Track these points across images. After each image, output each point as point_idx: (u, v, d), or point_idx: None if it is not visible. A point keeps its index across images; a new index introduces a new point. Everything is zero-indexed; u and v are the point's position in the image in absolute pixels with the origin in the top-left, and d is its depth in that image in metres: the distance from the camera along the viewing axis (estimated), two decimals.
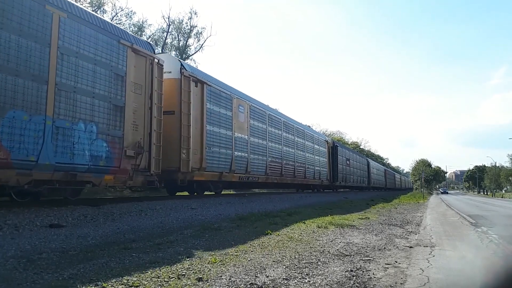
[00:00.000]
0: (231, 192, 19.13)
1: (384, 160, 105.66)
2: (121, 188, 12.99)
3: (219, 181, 12.43)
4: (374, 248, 5.59)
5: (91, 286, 3.17)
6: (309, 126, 28.01)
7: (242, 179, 13.53)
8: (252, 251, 4.94)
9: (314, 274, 3.85)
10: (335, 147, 27.26)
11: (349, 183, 30.74)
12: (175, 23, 32.69)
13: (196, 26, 33.63)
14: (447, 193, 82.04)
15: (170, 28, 32.61)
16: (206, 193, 13.60)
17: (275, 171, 16.20)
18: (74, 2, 7.38)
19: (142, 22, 31.49)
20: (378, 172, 51.13)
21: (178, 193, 13.43)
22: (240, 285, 3.38)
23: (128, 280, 3.38)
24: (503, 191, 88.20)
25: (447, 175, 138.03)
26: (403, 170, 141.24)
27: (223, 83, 12.98)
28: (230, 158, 12.51)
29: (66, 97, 6.77)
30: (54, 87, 6.53)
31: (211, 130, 11.62)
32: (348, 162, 30.55)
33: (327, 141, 26.34)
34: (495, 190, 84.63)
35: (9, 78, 5.88)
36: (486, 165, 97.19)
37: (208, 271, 3.81)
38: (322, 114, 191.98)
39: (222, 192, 17.84)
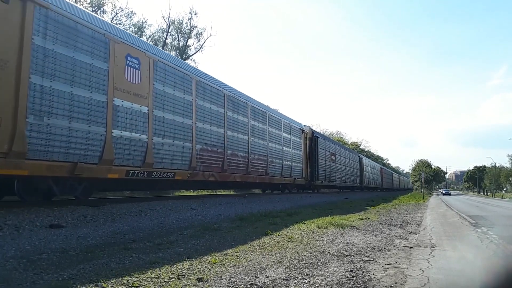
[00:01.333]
0: (231, 192, 19.12)
1: (384, 160, 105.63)
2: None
3: (69, 177, 7.38)
4: (374, 248, 5.59)
5: (91, 287, 3.17)
6: (278, 110, 21.40)
7: (134, 175, 8.55)
8: (252, 252, 4.94)
9: (314, 275, 3.85)
10: (314, 138, 22.37)
11: (334, 182, 26.64)
12: (175, 23, 32.76)
13: (196, 26, 33.72)
14: (449, 194, 75.70)
15: (170, 29, 32.66)
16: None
17: (211, 164, 11.55)
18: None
19: (142, 22, 31.55)
20: (373, 170, 46.55)
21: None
22: (240, 285, 3.38)
23: (128, 280, 3.38)
24: (503, 192, 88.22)
25: (447, 175, 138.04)
26: (403, 170, 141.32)
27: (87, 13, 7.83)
28: (99, 140, 7.60)
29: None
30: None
31: (45, 87, 6.65)
32: (333, 158, 26.46)
33: (303, 130, 21.04)
34: (495, 191, 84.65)
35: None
36: (486, 166, 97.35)
37: (208, 271, 3.81)
38: (322, 114, 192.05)
39: (222, 192, 17.86)
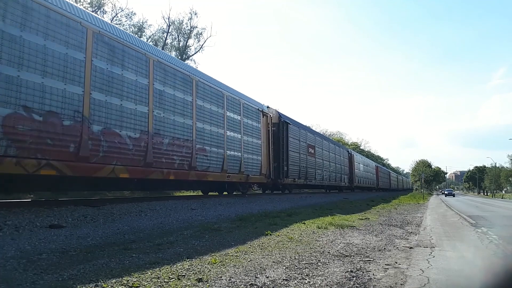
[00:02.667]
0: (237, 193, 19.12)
1: (384, 160, 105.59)
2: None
3: None
4: (374, 248, 5.59)
5: (91, 287, 3.17)
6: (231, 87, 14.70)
7: None
8: (252, 252, 4.94)
9: (314, 275, 3.85)
10: (283, 124, 17.84)
11: (313, 180, 22.18)
12: (175, 23, 32.80)
13: (196, 26, 33.76)
14: (453, 195, 57.40)
15: (170, 29, 32.70)
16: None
17: (117, 152, 8.20)
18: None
19: (142, 22, 31.56)
20: (366, 168, 41.38)
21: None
22: (240, 285, 3.38)
23: (128, 280, 3.38)
24: (503, 192, 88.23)
25: (447, 175, 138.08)
26: (403, 170, 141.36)
27: None
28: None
29: None
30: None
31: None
32: (311, 151, 22.01)
33: (263, 112, 15.94)
34: (495, 191, 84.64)
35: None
36: (486, 166, 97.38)
37: (208, 271, 3.81)
38: (322, 114, 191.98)
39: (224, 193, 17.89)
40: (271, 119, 16.93)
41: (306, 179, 20.94)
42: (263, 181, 15.90)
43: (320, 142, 24.74)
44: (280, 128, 17.78)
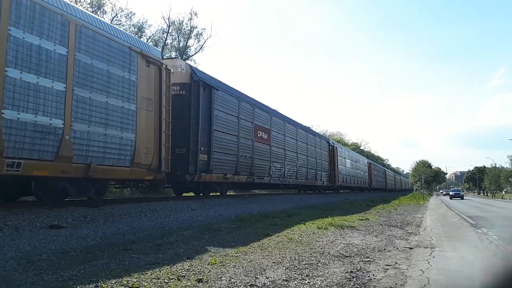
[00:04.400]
0: (231, 193, 19.12)
1: (384, 161, 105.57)
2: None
3: None
4: (374, 249, 5.59)
5: (91, 287, 3.17)
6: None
7: None
8: (252, 252, 4.93)
9: (314, 276, 3.85)
10: (199, 86, 11.44)
11: (266, 177, 15.88)
12: (175, 24, 32.82)
13: (196, 27, 33.76)
14: (462, 197, 42.94)
15: (170, 29, 32.71)
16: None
17: None
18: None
19: (142, 23, 31.58)
20: (355, 165, 34.78)
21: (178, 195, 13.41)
22: (240, 286, 3.38)
23: (128, 281, 3.38)
24: (503, 192, 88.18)
25: (447, 176, 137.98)
26: (403, 171, 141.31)
27: None
28: None
29: None
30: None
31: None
32: (263, 135, 15.91)
33: (145, 55, 9.14)
34: (495, 191, 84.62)
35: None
36: (486, 166, 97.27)
37: (208, 272, 3.81)
38: (322, 114, 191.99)
39: (232, 193, 17.85)
40: (168, 74, 9.90)
41: (251, 175, 14.25)
42: (140, 176, 9.11)
43: (280, 125, 17.77)
44: (193, 93, 10.89)
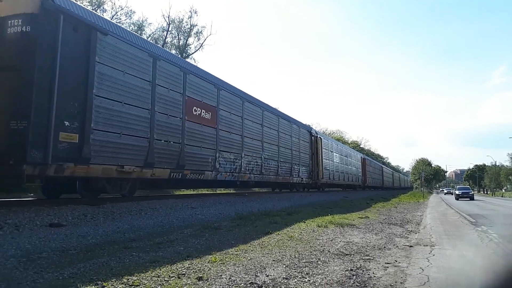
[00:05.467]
0: (231, 191, 19.13)
1: (384, 159, 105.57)
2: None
3: None
4: (374, 247, 5.60)
5: (91, 286, 3.17)
6: None
7: None
8: (252, 250, 4.94)
9: (314, 273, 3.85)
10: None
11: (208, 171, 11.38)
12: (175, 22, 32.75)
13: (196, 25, 33.65)
14: (472, 197, 33.55)
15: (170, 27, 32.64)
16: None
17: None
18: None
19: (142, 21, 31.51)
20: (346, 160, 29.95)
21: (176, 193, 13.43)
22: (240, 284, 3.38)
23: (128, 279, 3.38)
24: (503, 190, 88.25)
25: (447, 174, 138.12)
26: (403, 169, 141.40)
27: None
28: None
29: None
30: None
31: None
32: (204, 114, 11.44)
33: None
34: (495, 189, 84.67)
35: None
36: (486, 164, 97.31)
37: (208, 270, 3.82)
38: (322, 113, 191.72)
39: (223, 191, 17.85)
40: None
41: (180, 169, 9.98)
42: None
43: (234, 104, 13.27)
44: (44, 30, 6.68)
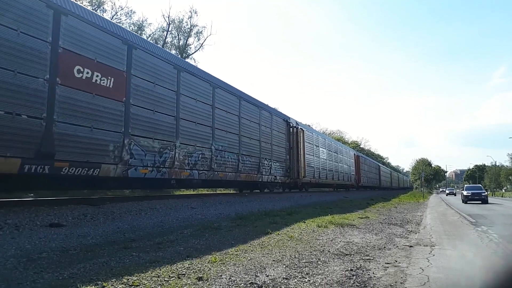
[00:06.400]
0: (231, 191, 19.13)
1: (384, 159, 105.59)
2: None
3: None
4: (374, 247, 5.60)
5: (91, 286, 3.17)
6: None
7: None
8: (252, 251, 4.94)
9: (314, 274, 3.85)
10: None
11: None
12: (175, 22, 32.75)
13: (196, 25, 33.63)
14: (486, 199, 25.14)
15: (170, 27, 32.63)
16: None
17: None
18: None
19: (142, 21, 31.51)
20: (336, 157, 27.03)
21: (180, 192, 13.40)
22: (240, 284, 3.38)
23: (128, 279, 3.38)
24: (503, 190, 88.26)
25: (447, 174, 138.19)
26: (403, 169, 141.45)
27: None
28: None
29: None
30: None
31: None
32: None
33: None
34: (495, 189, 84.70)
35: None
36: (486, 165, 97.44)
37: (208, 270, 3.82)
38: (322, 113, 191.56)
39: (223, 191, 17.86)
40: None
41: (43, 159, 6.46)
42: None
43: (162, 72, 9.66)
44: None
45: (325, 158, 24.34)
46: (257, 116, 15.27)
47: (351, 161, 32.35)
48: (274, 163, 16.63)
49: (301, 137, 19.58)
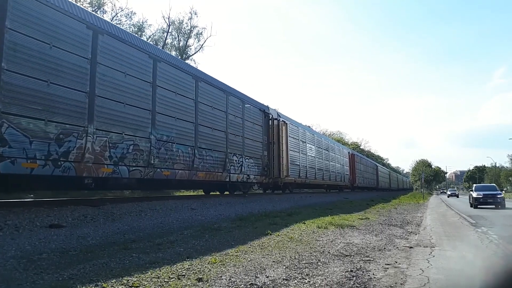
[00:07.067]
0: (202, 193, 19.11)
1: (384, 160, 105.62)
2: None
3: None
4: (374, 248, 5.59)
5: (91, 286, 3.17)
6: None
7: None
8: (252, 252, 4.94)
9: (314, 275, 3.85)
10: None
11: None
12: (175, 23, 32.81)
13: (196, 26, 33.69)
14: (504, 203, 19.14)
15: (170, 29, 32.68)
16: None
17: None
18: None
19: (142, 22, 31.54)
20: (327, 155, 24.95)
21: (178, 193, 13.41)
22: (240, 285, 3.38)
23: (128, 280, 3.38)
24: (503, 191, 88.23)
25: (447, 175, 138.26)
26: (403, 170, 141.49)
27: None
28: None
29: None
30: None
31: None
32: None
33: None
34: None
35: None
36: (486, 166, 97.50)
37: (208, 271, 3.81)
38: (323, 114, 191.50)
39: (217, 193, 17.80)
40: None
41: None
42: None
43: (62, 30, 6.94)
44: None
45: (314, 155, 22.06)
46: (223, 103, 12.59)
47: (345, 160, 30.03)
48: (247, 160, 14.08)
49: (284, 131, 17.39)
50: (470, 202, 20.50)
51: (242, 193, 14.91)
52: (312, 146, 21.93)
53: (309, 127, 31.78)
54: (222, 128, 12.39)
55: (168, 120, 9.70)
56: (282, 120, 17.55)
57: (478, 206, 19.13)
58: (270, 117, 16.72)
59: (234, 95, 13.68)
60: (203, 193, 13.93)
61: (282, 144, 17.05)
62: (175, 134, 9.87)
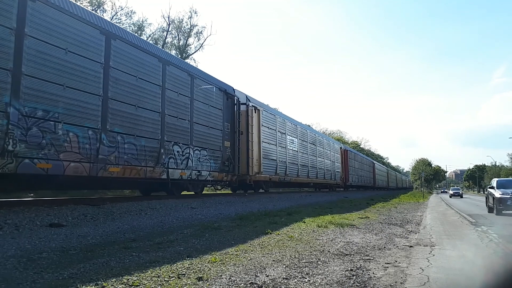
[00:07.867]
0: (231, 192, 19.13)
1: (384, 159, 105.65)
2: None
3: None
4: (374, 247, 5.60)
5: (91, 286, 3.17)
6: None
7: None
8: (252, 251, 4.94)
9: (314, 274, 3.85)
10: None
11: None
12: (175, 22, 32.80)
13: (196, 25, 33.70)
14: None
15: (170, 27, 32.66)
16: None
17: None
18: None
19: (142, 21, 31.52)
20: (314, 149, 22.34)
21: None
22: (240, 284, 3.38)
23: (128, 279, 3.38)
24: None
25: (447, 174, 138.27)
26: (403, 169, 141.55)
27: None
28: None
29: None
30: None
31: None
32: None
33: None
34: None
35: None
36: (486, 165, 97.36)
37: (208, 270, 3.82)
38: (323, 113, 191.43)
39: (223, 192, 17.84)
40: None
41: None
42: None
43: None
44: None
45: (297, 150, 19.17)
46: (157, 75, 9.72)
47: (336, 156, 26.89)
48: (198, 152, 11.35)
49: (255, 119, 14.60)
50: (489, 205, 14.44)
51: (197, 193, 12.60)
52: (294, 138, 19.13)
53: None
54: (154, 107, 9.52)
55: (48, 88, 6.79)
56: (252, 105, 14.51)
57: (505, 212, 12.59)
58: (236, 101, 13.57)
59: (178, 66, 10.67)
60: (202, 193, 13.88)
61: (252, 134, 14.30)
62: (61, 110, 7.02)
